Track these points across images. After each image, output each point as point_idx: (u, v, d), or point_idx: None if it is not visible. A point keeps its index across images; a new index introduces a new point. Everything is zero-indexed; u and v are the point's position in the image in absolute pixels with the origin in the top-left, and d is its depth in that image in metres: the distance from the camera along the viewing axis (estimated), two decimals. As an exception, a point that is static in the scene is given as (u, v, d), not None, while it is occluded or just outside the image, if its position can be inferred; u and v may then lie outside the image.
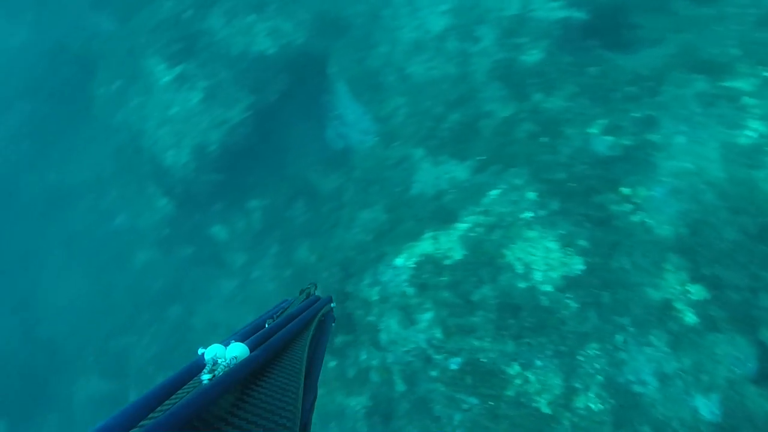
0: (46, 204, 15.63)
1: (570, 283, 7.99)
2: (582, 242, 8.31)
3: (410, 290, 8.92)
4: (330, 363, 9.09)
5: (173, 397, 1.29)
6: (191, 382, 1.38)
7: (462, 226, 9.29)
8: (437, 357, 8.11)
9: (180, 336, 12.09)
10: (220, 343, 1.54)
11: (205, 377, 1.37)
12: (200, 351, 1.50)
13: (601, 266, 7.99)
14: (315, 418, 1.74)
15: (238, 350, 1.50)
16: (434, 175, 10.56)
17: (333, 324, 2.50)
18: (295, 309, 2.15)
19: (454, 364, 7.97)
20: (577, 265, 8.11)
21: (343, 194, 11.59)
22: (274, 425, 1.26)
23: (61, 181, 15.70)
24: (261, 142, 13.31)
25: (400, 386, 8.25)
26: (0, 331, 14.50)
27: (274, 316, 2.04)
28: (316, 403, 1.75)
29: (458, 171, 10.22)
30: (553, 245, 8.43)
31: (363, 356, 8.87)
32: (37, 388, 13.41)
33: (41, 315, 14.37)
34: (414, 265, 9.14)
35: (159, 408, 1.22)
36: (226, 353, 1.48)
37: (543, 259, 8.33)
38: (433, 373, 8.04)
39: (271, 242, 12.15)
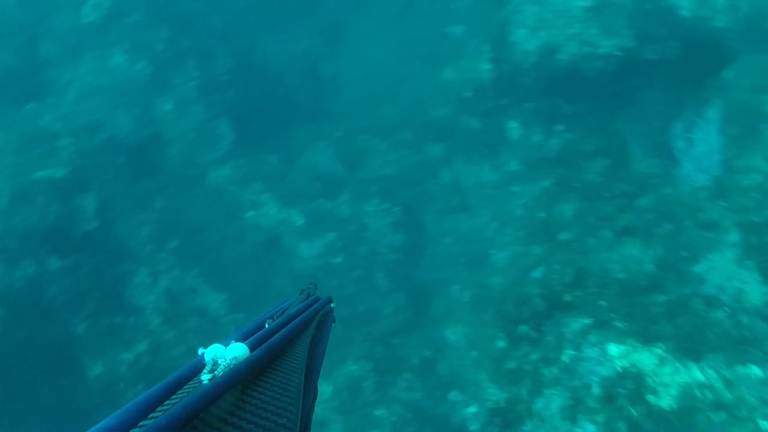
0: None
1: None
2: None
3: (596, 389, 8.70)
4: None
5: (173, 397, 1.32)
6: (191, 382, 1.41)
7: (698, 374, 8.48)
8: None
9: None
10: (220, 343, 1.56)
11: (206, 377, 1.40)
12: (200, 351, 1.52)
13: None
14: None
15: (238, 350, 1.51)
16: (741, 279, 9.60)
17: (333, 324, 2.51)
18: (295, 309, 2.16)
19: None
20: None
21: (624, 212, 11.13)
22: (275, 425, 1.29)
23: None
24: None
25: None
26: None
27: (274, 316, 2.05)
28: (315, 403, 1.81)
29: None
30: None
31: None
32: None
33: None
34: (619, 369, 8.81)
35: (159, 408, 1.24)
36: (226, 353, 1.49)
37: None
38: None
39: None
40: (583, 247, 10.66)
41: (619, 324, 9.17)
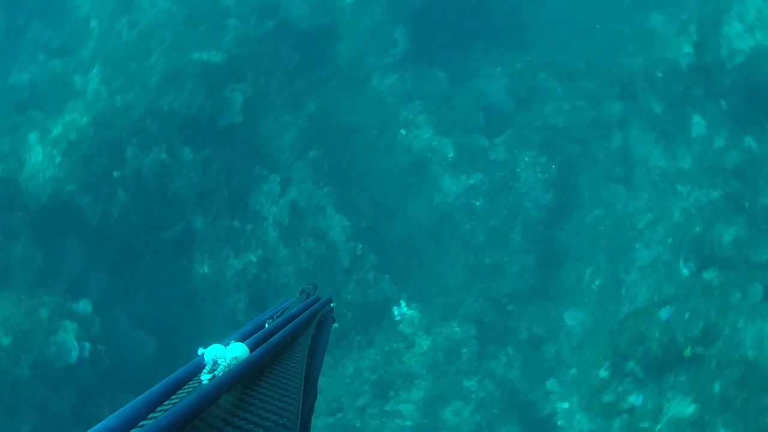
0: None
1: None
2: None
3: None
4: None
5: (173, 397, 1.32)
6: (191, 382, 1.41)
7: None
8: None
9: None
10: (220, 343, 1.54)
11: (205, 377, 1.40)
12: (200, 351, 1.51)
13: None
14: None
15: (238, 350, 1.51)
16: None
17: (333, 324, 2.53)
18: (295, 309, 2.17)
19: None
20: None
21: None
22: (275, 425, 1.29)
23: None
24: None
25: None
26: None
27: (274, 316, 2.05)
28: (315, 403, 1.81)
29: None
30: None
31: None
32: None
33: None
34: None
35: (159, 408, 1.24)
36: (226, 353, 1.48)
37: None
38: None
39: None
40: (723, 300, 9.58)
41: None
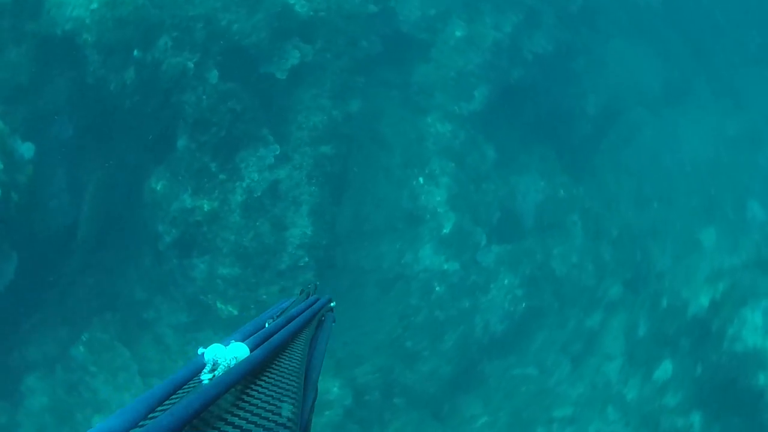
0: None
1: None
2: None
3: None
4: None
5: (173, 397, 1.33)
6: (191, 382, 1.42)
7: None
8: None
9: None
10: (220, 342, 1.56)
11: (206, 377, 1.42)
12: (200, 351, 1.52)
13: None
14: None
15: (238, 350, 1.53)
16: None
17: (333, 324, 2.54)
18: (296, 309, 2.20)
19: None
20: None
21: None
22: (275, 425, 1.29)
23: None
24: None
25: None
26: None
27: (275, 316, 2.08)
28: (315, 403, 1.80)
29: None
30: None
31: None
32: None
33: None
34: None
35: (159, 408, 1.25)
36: (226, 353, 1.50)
37: None
38: None
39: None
40: None
41: None
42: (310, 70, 12.15)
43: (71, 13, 10.03)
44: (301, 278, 11.53)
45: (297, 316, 2.09)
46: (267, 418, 1.31)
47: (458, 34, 13.94)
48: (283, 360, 1.70)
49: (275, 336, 1.76)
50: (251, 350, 1.56)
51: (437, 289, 12.88)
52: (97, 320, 10.74)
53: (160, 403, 1.27)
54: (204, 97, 10.99)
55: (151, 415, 1.20)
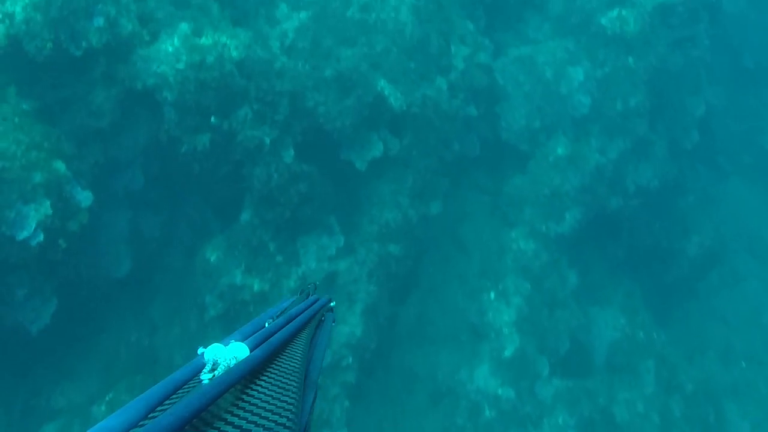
0: None
1: None
2: None
3: None
4: None
5: (173, 396, 1.33)
6: (191, 381, 1.41)
7: None
8: None
9: None
10: (220, 342, 1.56)
11: (205, 377, 1.41)
12: (200, 350, 1.52)
13: None
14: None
15: (238, 350, 1.52)
16: None
17: (333, 324, 2.52)
18: (295, 309, 2.19)
19: None
20: None
21: None
22: (275, 425, 1.28)
23: None
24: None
25: None
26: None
27: (274, 316, 2.07)
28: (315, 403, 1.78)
29: None
30: None
31: None
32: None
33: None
34: None
35: (159, 408, 1.25)
36: (226, 353, 1.50)
37: None
38: None
39: None
40: None
41: None
42: (393, 165, 11.87)
43: (157, 68, 10.09)
44: (339, 380, 11.15)
45: (297, 316, 2.10)
46: (267, 418, 1.30)
47: (560, 151, 13.42)
48: (283, 360, 1.70)
49: (275, 336, 1.77)
50: (251, 350, 1.57)
51: (487, 413, 12.19)
52: (125, 381, 10.62)
53: (160, 402, 1.26)
54: (276, 174, 10.81)
55: (151, 415, 1.20)
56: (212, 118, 10.42)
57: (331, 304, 2.59)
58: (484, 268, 13.14)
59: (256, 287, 10.86)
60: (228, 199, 11.23)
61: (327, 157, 11.39)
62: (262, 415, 1.32)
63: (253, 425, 1.26)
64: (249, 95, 10.61)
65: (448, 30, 12.60)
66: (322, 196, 11.27)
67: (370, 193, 11.83)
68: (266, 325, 1.95)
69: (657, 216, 14.24)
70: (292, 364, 1.69)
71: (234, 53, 10.41)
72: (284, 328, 1.88)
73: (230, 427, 1.24)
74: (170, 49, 10.12)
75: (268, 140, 10.70)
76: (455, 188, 13.16)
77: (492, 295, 12.89)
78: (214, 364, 1.45)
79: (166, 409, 1.19)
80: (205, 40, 10.29)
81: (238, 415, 1.30)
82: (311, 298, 2.49)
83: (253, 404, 1.36)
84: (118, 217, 10.81)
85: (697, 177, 15.19)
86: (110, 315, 10.71)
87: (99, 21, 9.65)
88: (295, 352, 1.81)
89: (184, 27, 10.34)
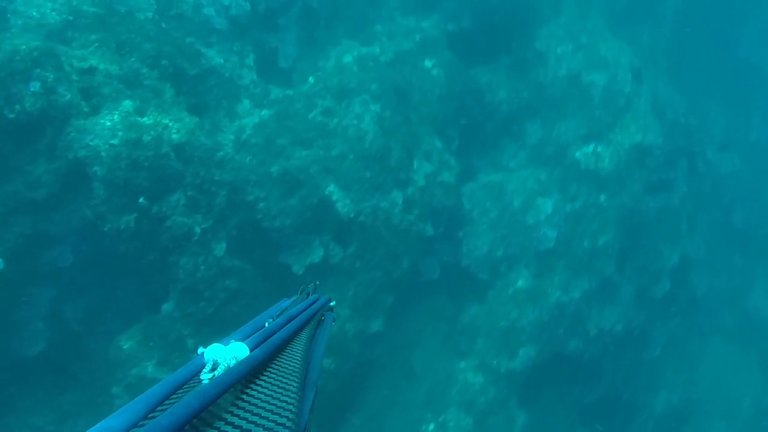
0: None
1: None
2: None
3: None
4: None
5: (173, 396, 1.30)
6: (191, 381, 1.39)
7: None
8: None
9: None
10: (220, 342, 1.54)
11: (206, 377, 1.41)
12: (200, 350, 1.50)
13: None
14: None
15: (238, 350, 1.51)
16: None
17: (333, 323, 2.48)
18: (295, 309, 2.17)
19: None
20: None
21: None
22: (275, 425, 1.26)
23: None
24: None
25: None
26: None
27: (274, 315, 2.06)
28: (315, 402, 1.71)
29: None
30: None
31: None
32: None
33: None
34: None
35: (159, 407, 1.22)
36: (226, 353, 1.48)
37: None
38: None
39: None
40: None
41: None
42: (333, 273, 11.32)
43: (90, 141, 9.75)
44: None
45: (297, 316, 2.09)
46: (267, 418, 1.29)
47: (520, 284, 12.81)
48: (282, 360, 1.69)
49: (275, 336, 1.77)
50: (251, 350, 1.57)
51: None
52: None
53: (160, 402, 1.25)
54: (203, 266, 10.28)
55: (150, 415, 1.19)
56: (141, 199, 10.00)
57: (331, 303, 2.61)
58: (429, 398, 12.31)
59: (165, 383, 10.12)
60: (156, 286, 10.67)
61: (262, 256, 10.88)
62: (262, 415, 1.30)
63: (253, 425, 1.25)
64: (184, 180, 10.21)
65: (413, 145, 12.27)
66: (251, 297, 10.67)
67: (304, 298, 11.23)
68: (266, 324, 1.95)
69: (620, 365, 13.41)
70: (292, 364, 1.68)
71: (174, 136, 10.10)
72: (284, 328, 1.88)
73: (230, 427, 1.23)
74: (108, 123, 9.82)
75: (198, 229, 10.21)
76: (410, 309, 12.55)
77: (431, 427, 12.00)
78: (214, 364, 1.45)
79: (165, 409, 1.16)
80: (146, 120, 10.02)
81: (238, 415, 1.29)
82: (311, 298, 2.49)
83: (253, 404, 1.35)
84: (40, 293, 10.29)
85: (668, 330, 14.38)
86: (22, 395, 10.05)
87: (35, 86, 9.46)
88: (295, 352, 1.81)
89: (127, 104, 10.08)
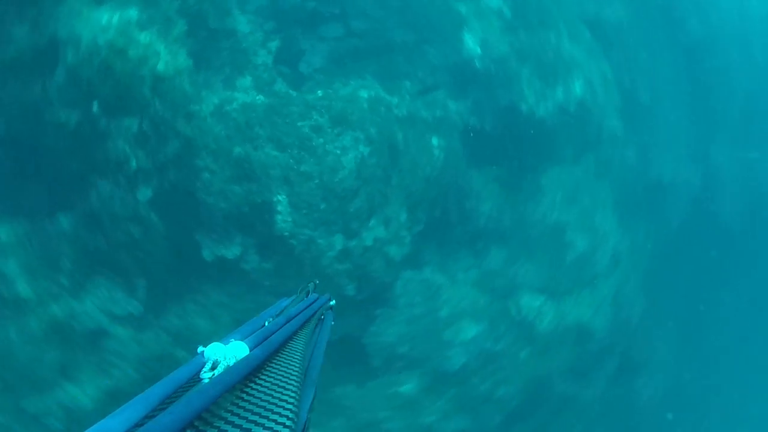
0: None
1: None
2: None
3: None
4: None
5: (173, 395, 1.31)
6: (191, 380, 1.40)
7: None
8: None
9: None
10: (220, 341, 1.56)
11: (206, 376, 1.43)
12: (200, 349, 1.51)
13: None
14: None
15: (238, 349, 1.53)
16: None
17: (333, 323, 2.55)
18: (295, 308, 2.22)
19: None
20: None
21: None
22: (275, 424, 1.27)
23: None
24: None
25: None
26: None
27: (274, 315, 2.10)
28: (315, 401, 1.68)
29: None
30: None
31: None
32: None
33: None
34: None
35: (159, 406, 1.23)
36: (226, 352, 1.49)
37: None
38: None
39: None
40: None
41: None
42: (238, 278, 10.83)
43: (77, 26, 9.21)
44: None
45: (297, 315, 2.14)
46: (267, 417, 1.31)
47: (404, 389, 12.44)
48: (282, 359, 1.72)
49: (275, 335, 1.81)
50: (251, 349, 1.60)
51: None
52: None
53: (161, 401, 1.26)
54: (118, 201, 9.87)
55: (151, 413, 1.19)
56: (95, 105, 9.62)
57: (331, 302, 2.63)
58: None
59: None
60: (63, 196, 10.06)
61: (181, 223, 10.35)
62: (262, 414, 1.31)
63: (253, 424, 1.26)
64: (147, 111, 9.90)
65: (380, 204, 11.79)
66: (147, 252, 10.06)
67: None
68: (266, 324, 1.97)
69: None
70: (292, 362, 1.70)
71: (160, 66, 9.87)
72: (284, 327, 1.92)
73: (230, 426, 1.24)
74: (104, 20, 9.53)
75: (135, 165, 9.91)
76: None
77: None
78: (214, 363, 1.46)
79: (165, 408, 1.15)
80: (142, 37, 9.77)
81: (238, 414, 1.29)
82: (311, 297, 2.50)
83: (253, 403, 1.36)
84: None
85: None
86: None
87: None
88: (295, 350, 1.84)
89: (132, 13, 10.00)
